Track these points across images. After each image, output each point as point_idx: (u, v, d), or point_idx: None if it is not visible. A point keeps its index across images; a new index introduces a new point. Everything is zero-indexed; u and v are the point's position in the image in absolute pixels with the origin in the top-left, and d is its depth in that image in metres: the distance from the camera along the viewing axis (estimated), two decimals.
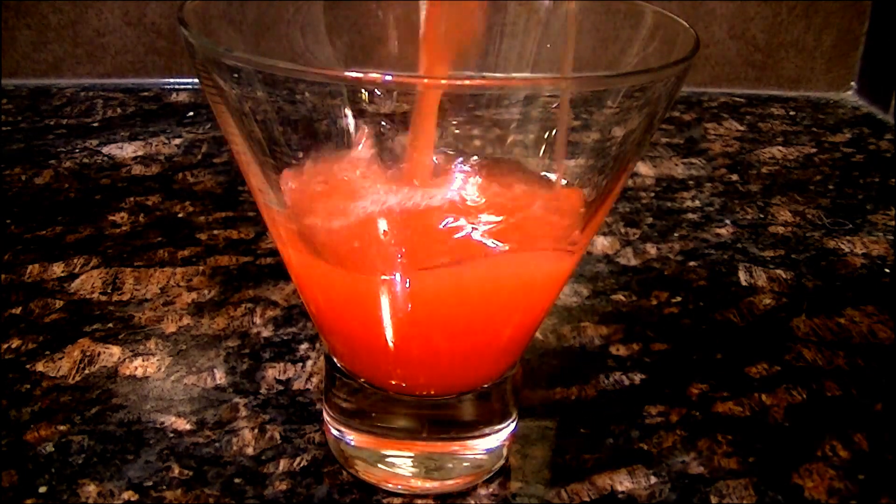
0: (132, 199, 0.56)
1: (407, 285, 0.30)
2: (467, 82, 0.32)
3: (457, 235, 0.30)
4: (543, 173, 0.33)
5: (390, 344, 0.32)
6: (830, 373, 0.42)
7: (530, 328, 0.34)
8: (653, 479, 0.35)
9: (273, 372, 0.40)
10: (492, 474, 0.35)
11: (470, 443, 0.35)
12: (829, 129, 0.73)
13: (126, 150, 0.63)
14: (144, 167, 0.60)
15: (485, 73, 0.36)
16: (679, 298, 0.47)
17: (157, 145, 0.64)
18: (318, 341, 0.42)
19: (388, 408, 0.34)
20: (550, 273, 0.32)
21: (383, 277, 0.30)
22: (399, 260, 0.30)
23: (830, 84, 0.80)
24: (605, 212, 0.32)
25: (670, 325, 0.45)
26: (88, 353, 0.41)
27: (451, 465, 0.34)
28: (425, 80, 0.31)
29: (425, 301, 0.31)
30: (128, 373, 0.40)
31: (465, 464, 0.35)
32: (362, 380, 0.34)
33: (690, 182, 0.62)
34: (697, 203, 0.59)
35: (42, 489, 0.34)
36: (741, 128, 0.72)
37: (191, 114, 0.69)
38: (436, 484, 0.34)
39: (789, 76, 0.80)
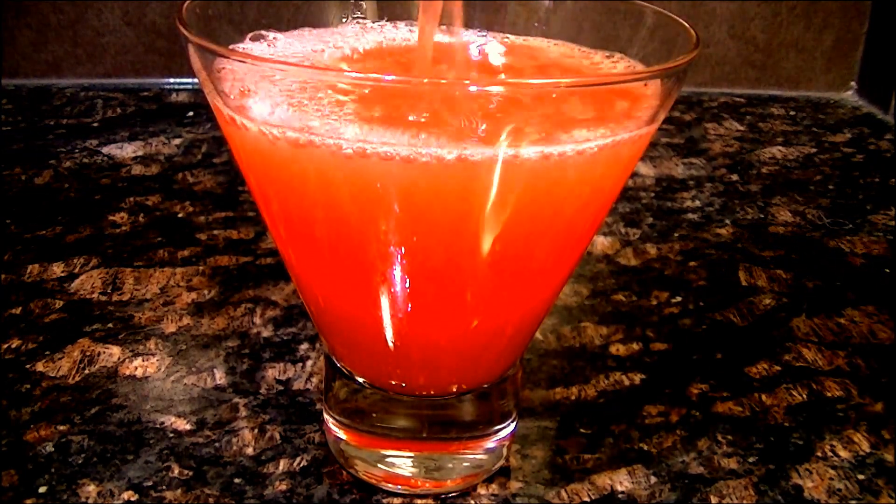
0: (132, 199, 0.56)
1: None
2: (466, 83, 0.32)
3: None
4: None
5: (392, 308, 0.30)
6: (830, 373, 0.42)
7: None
8: (653, 479, 0.35)
9: (273, 372, 0.40)
10: (492, 474, 0.35)
11: (470, 443, 0.35)
12: (829, 129, 0.73)
13: (126, 150, 0.63)
14: (144, 167, 0.60)
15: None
16: (679, 298, 0.47)
17: (156, 145, 0.64)
18: (318, 341, 0.42)
19: (388, 408, 0.34)
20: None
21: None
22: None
23: (830, 84, 0.80)
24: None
25: (670, 325, 0.45)
26: (88, 353, 0.41)
27: (451, 465, 0.34)
28: (425, 81, 0.31)
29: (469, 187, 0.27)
30: (128, 373, 0.40)
31: (465, 464, 0.35)
32: (362, 380, 0.34)
33: (690, 182, 0.62)
34: (697, 203, 0.59)
35: (42, 489, 0.34)
36: (741, 128, 0.72)
37: (191, 114, 0.69)
38: (436, 484, 0.34)
39: (789, 76, 0.80)
